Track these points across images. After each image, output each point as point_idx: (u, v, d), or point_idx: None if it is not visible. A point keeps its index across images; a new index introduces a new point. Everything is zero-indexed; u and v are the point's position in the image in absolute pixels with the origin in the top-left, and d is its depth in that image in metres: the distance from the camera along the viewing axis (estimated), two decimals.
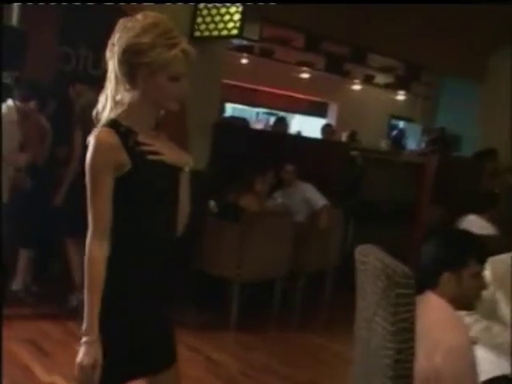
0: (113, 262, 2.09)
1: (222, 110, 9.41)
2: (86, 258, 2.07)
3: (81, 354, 2.03)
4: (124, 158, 2.07)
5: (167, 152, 2.16)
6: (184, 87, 2.14)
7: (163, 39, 2.05)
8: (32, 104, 5.16)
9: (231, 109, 12.03)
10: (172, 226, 2.24)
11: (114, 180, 2.06)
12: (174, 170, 2.19)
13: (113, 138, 2.06)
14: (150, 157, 2.11)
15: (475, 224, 5.09)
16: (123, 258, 2.13)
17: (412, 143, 12.44)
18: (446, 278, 2.50)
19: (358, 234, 7.23)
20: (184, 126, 7.03)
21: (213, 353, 4.92)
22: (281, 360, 4.98)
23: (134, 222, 2.14)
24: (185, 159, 2.23)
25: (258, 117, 13.29)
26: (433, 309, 2.49)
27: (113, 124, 2.10)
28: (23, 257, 5.44)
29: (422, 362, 2.34)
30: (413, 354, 2.31)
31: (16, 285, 5.42)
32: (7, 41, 5.40)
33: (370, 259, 2.56)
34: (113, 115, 2.11)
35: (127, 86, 2.10)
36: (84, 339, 2.03)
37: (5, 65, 5.44)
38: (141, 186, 2.12)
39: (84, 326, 2.04)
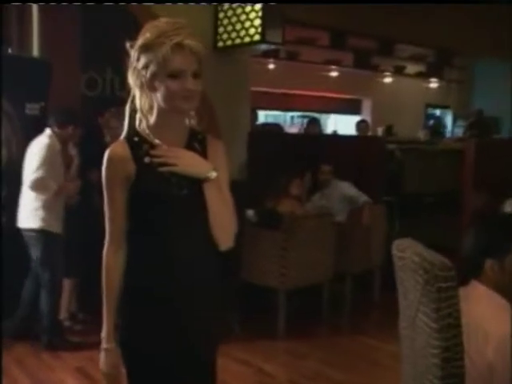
0: (127, 272, 2.13)
1: (255, 117, 9.34)
2: (103, 266, 2.14)
3: (100, 361, 2.14)
4: (131, 168, 2.07)
5: (183, 162, 2.08)
6: (187, 83, 2.02)
7: (158, 38, 1.99)
8: (70, 129, 5.13)
9: (264, 116, 11.95)
10: (192, 241, 2.12)
11: (127, 190, 2.08)
12: (192, 181, 2.08)
13: (122, 150, 2.09)
14: (161, 168, 2.06)
15: None
16: (137, 270, 2.13)
17: (451, 130, 12.19)
18: (489, 265, 2.36)
19: (402, 229, 7.06)
20: (218, 135, 7.00)
21: (263, 364, 4.82)
22: (333, 366, 4.85)
23: (142, 235, 2.12)
24: (203, 169, 2.11)
25: (292, 121, 13.18)
26: (480, 299, 2.35)
27: (130, 134, 2.14)
28: (67, 285, 5.42)
29: (474, 358, 2.20)
30: (462, 351, 2.17)
31: (62, 313, 5.41)
32: (31, 73, 5.43)
33: (408, 254, 2.43)
34: (143, 125, 2.12)
35: (146, 93, 2.09)
36: (103, 346, 2.13)
37: (30, 96, 5.47)
38: (144, 196, 2.09)
39: (102, 334, 2.13)
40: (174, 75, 2.01)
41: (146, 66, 2.02)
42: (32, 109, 5.47)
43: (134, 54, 2.05)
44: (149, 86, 2.05)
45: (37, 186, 4.87)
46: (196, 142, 2.18)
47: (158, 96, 2.05)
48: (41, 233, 4.96)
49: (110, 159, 2.09)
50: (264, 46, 7.73)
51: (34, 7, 6.14)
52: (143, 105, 2.11)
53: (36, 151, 4.93)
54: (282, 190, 6.05)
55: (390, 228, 6.80)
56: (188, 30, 2.01)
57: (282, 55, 10.14)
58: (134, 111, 2.14)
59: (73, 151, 5.28)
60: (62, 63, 5.90)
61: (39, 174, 4.85)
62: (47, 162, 4.87)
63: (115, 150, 2.10)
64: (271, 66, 10.50)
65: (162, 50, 1.97)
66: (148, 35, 2.01)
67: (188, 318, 2.10)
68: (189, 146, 2.15)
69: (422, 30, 9.48)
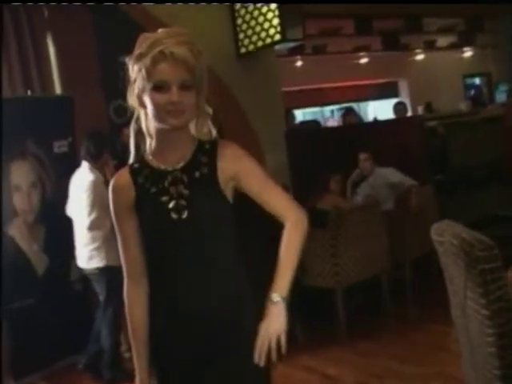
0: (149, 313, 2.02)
1: (292, 118, 9.21)
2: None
3: None
4: (131, 196, 1.98)
5: (273, 334, 1.85)
6: (171, 96, 1.84)
7: (148, 49, 1.84)
8: (105, 156, 5.03)
9: (302, 114, 11.80)
10: (205, 270, 1.93)
11: (135, 220, 1.99)
12: (192, 201, 1.92)
13: (123, 177, 2.01)
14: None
15: None
16: (154, 311, 2.02)
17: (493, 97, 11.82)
18: None
19: (454, 207, 6.78)
20: (254, 141, 6.91)
21: (329, 368, 4.65)
22: (402, 359, 4.63)
23: (153, 268, 2.02)
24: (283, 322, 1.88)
25: (332, 115, 13.01)
26: None
27: (134, 160, 2.04)
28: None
29: None
30: None
31: (123, 346, 5.35)
32: (53, 111, 5.40)
33: (447, 237, 2.26)
34: (147, 147, 2.02)
35: (142, 110, 1.97)
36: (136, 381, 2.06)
37: (57, 135, 5.43)
38: (145, 224, 1.97)
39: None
40: (158, 87, 1.85)
41: (135, 80, 1.90)
42: (60, 146, 5.43)
43: (130, 68, 1.91)
44: (140, 102, 1.92)
45: (94, 226, 4.81)
46: (202, 155, 1.98)
47: (149, 112, 1.90)
48: (105, 269, 4.90)
49: (111, 189, 2.02)
50: (287, 44, 7.66)
51: (50, 43, 6.12)
52: (147, 124, 1.98)
53: (83, 191, 4.85)
54: (323, 187, 5.88)
55: (442, 207, 6.54)
56: (180, 38, 1.84)
57: (309, 50, 9.98)
58: (139, 133, 2.01)
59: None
60: (86, 95, 5.86)
61: (94, 215, 4.78)
62: (98, 199, 4.76)
63: (116, 179, 2.03)
64: (299, 64, 10.37)
65: (145, 60, 1.83)
66: (138, 46, 1.87)
67: (221, 353, 1.94)
68: (193, 162, 1.97)
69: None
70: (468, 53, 12.06)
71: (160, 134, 1.95)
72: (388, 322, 5.63)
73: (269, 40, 6.69)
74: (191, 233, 1.92)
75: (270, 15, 6.56)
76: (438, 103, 10.43)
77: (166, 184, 1.94)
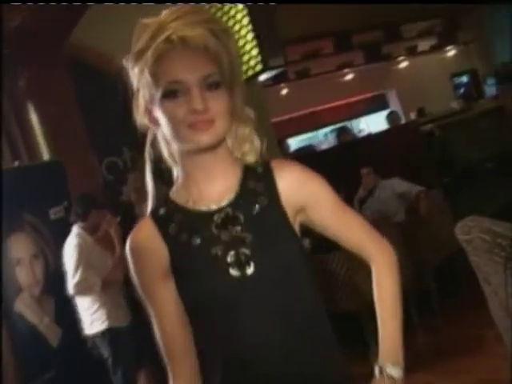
0: None
1: (286, 147, 9.12)
2: None
3: None
4: (162, 253, 1.43)
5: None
6: (192, 102, 1.30)
7: (150, 41, 1.33)
8: (94, 215, 4.87)
9: (296, 142, 11.69)
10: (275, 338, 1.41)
11: (173, 287, 1.44)
12: (263, 249, 1.42)
13: (145, 233, 1.45)
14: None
15: None
16: None
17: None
18: None
19: (469, 205, 6.62)
20: None
21: None
22: (440, 372, 4.41)
23: (210, 342, 1.46)
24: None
25: (327, 137, 12.89)
26: None
27: (155, 204, 1.49)
28: (143, 378, 5.16)
29: None
30: None
31: None
32: (44, 178, 5.29)
33: (475, 234, 2.09)
34: (174, 181, 1.50)
35: (157, 129, 1.45)
36: None
37: (51, 201, 5.31)
38: (190, 289, 1.42)
39: None
40: (171, 92, 1.32)
41: (138, 89, 1.41)
42: (56, 212, 5.31)
43: (129, 72, 1.42)
44: (150, 119, 1.42)
45: (80, 290, 4.65)
46: (256, 181, 1.45)
47: (164, 130, 1.39)
48: (107, 332, 4.73)
49: (130, 252, 1.45)
50: (271, 73, 7.57)
51: (32, 110, 6.02)
52: (168, 147, 1.46)
53: (67, 256, 4.71)
54: None
55: (456, 208, 6.37)
56: (193, 18, 1.31)
57: (292, 76, 9.92)
58: (159, 167, 1.50)
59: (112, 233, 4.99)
60: (76, 158, 5.77)
61: (77, 278, 4.60)
62: (81, 261, 4.62)
63: (135, 236, 1.46)
64: (284, 92, 10.30)
65: (146, 57, 1.33)
66: (136, 39, 1.36)
67: None
68: (245, 193, 1.43)
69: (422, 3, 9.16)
70: (451, 52, 12.01)
71: (187, 159, 1.41)
72: (417, 334, 5.43)
73: (251, 72, 6.59)
74: (261, 292, 1.40)
75: (248, 47, 6.47)
76: (431, 106, 10.33)
77: (214, 229, 1.41)
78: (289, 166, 1.50)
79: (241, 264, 1.36)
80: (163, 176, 1.51)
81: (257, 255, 1.37)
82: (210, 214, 1.41)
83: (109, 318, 4.70)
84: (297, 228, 1.47)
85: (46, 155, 6.02)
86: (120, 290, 4.86)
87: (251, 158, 1.48)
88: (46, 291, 5.11)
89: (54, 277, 5.08)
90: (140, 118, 1.44)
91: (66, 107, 6.01)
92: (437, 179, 6.68)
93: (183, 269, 1.41)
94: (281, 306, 1.40)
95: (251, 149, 1.49)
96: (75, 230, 4.82)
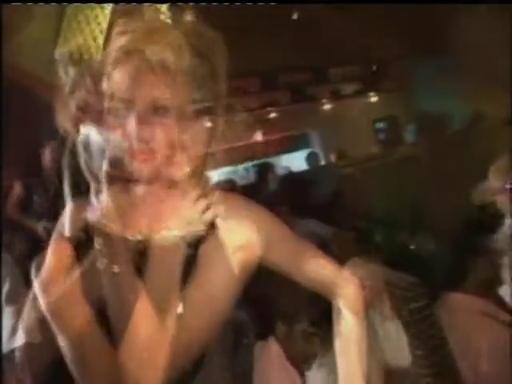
0: None
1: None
2: None
3: None
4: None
5: None
6: (135, 127, 1.16)
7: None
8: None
9: (216, 175, 11.64)
10: None
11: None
12: None
13: (62, 257, 1.32)
14: None
15: None
16: None
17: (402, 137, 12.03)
18: None
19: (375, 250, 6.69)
20: None
21: None
22: None
23: None
24: None
25: (248, 172, 12.89)
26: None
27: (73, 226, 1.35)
28: None
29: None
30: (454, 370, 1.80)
31: None
32: None
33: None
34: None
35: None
36: None
37: None
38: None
39: None
40: (113, 110, 1.18)
41: (73, 91, 1.29)
42: None
43: (61, 69, 1.33)
44: (75, 125, 1.28)
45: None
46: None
47: (94, 147, 1.26)
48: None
49: (42, 283, 1.28)
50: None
51: None
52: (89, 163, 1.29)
53: None
54: None
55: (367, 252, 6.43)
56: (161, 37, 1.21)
57: (219, 112, 9.92)
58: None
59: None
60: None
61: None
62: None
63: (50, 264, 1.28)
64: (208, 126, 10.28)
65: (103, 64, 1.21)
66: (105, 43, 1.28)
67: None
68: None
69: (350, 49, 9.34)
70: (374, 98, 12.26)
71: (116, 182, 1.29)
72: None
73: None
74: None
75: None
76: (352, 150, 10.48)
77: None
78: (232, 199, 1.42)
79: None
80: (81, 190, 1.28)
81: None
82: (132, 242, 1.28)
83: None
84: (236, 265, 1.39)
85: None
86: None
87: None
88: None
89: None
90: (63, 121, 1.26)
91: None
92: (352, 222, 6.71)
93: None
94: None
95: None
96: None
